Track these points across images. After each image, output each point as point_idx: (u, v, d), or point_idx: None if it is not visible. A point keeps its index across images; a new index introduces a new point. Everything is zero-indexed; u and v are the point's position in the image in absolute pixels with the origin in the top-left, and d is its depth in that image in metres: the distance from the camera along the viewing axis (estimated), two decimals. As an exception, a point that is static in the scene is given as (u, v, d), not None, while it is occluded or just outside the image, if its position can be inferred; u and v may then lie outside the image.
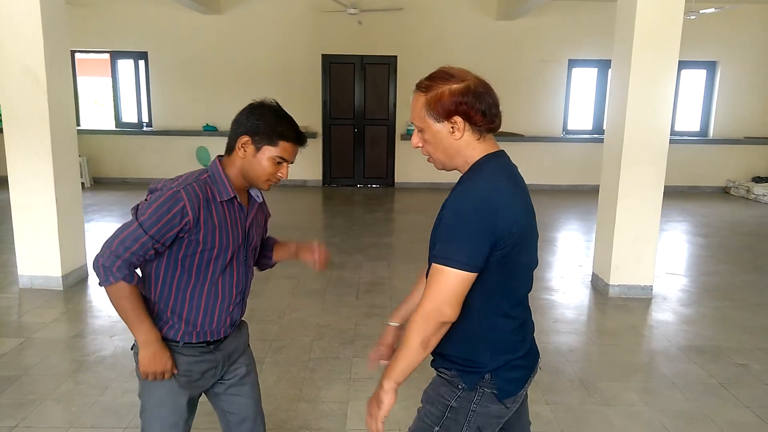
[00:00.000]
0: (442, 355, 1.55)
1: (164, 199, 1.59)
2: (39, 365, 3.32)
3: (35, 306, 4.22)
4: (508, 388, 1.52)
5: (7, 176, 4.47)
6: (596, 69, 9.68)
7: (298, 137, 1.72)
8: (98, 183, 9.53)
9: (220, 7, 9.17)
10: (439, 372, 1.59)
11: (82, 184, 8.48)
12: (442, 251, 1.39)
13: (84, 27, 9.00)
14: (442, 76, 1.46)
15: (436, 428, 1.55)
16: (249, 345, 1.98)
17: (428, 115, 1.45)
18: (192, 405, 1.80)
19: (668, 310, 4.44)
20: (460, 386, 1.52)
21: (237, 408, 1.89)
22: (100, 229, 6.60)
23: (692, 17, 7.41)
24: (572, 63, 9.58)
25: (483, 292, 1.44)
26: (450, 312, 1.39)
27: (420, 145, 1.53)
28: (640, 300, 4.60)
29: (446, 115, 1.43)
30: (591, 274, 5.07)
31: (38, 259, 4.55)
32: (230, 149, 1.72)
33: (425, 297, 1.40)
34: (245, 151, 1.68)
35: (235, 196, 1.70)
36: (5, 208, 5.45)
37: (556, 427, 2.82)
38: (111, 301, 1.64)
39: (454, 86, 1.42)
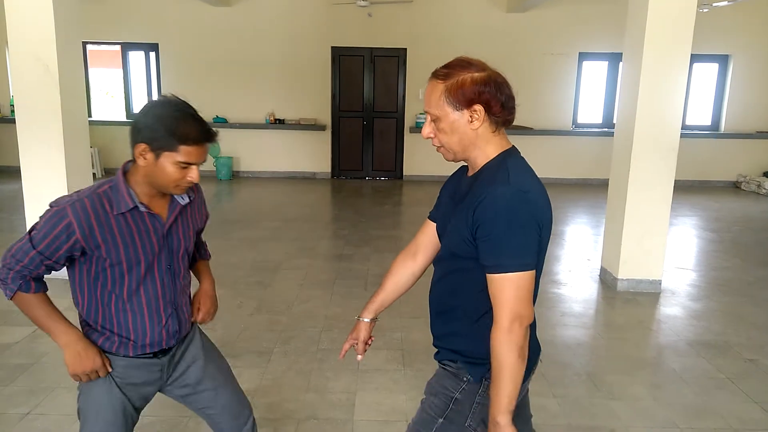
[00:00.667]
0: (448, 348, 1.56)
1: (50, 215, 1.54)
2: (51, 353, 3.36)
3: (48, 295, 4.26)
4: None
5: (19, 166, 4.51)
6: (607, 62, 9.60)
7: (201, 136, 1.54)
8: (109, 174, 9.60)
9: (230, -2, 9.18)
10: (444, 365, 1.60)
11: (94, 174, 8.55)
12: (497, 259, 1.36)
13: (95, 19, 9.03)
14: (461, 64, 1.44)
15: (440, 420, 1.55)
16: (203, 338, 1.90)
17: (447, 103, 1.42)
18: (131, 414, 1.72)
19: (677, 304, 4.43)
20: (465, 378, 1.52)
21: (208, 401, 1.84)
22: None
23: (705, 10, 7.33)
24: (583, 56, 9.51)
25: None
26: (528, 313, 1.38)
27: (432, 135, 1.50)
28: (649, 294, 4.58)
29: (467, 103, 1.41)
30: (599, 267, 5.06)
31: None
32: (133, 157, 1.59)
33: (500, 311, 1.37)
34: (145, 158, 1.54)
35: (135, 207, 1.59)
36: (18, 198, 5.51)
37: (563, 420, 2.82)
38: (23, 312, 1.63)
39: (477, 75, 1.40)
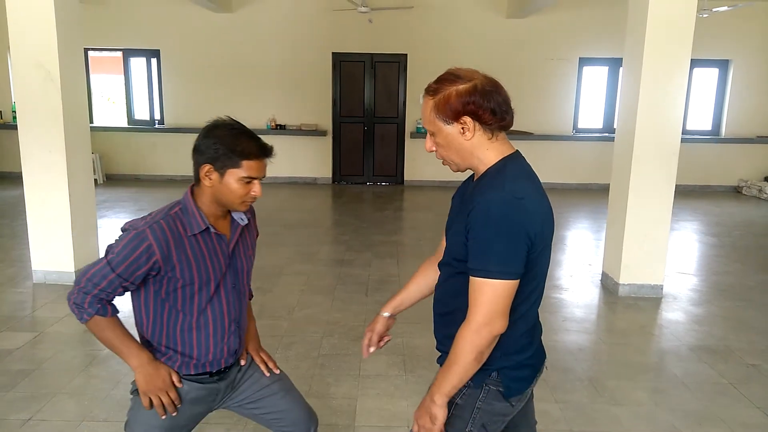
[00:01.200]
0: (449, 351, 1.56)
1: (129, 238, 1.57)
2: (52, 359, 3.37)
3: (49, 301, 4.27)
4: (514, 387, 1.52)
5: (21, 172, 4.52)
6: (607, 67, 9.62)
7: (260, 152, 1.63)
8: (111, 179, 9.62)
9: (231, 5, 9.21)
10: None
11: (95, 180, 8.57)
12: (481, 263, 1.38)
13: (97, 25, 9.07)
14: (449, 78, 1.46)
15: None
16: (269, 359, 1.96)
17: (438, 118, 1.45)
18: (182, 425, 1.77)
19: (678, 309, 4.42)
20: (466, 383, 1.52)
21: (272, 405, 1.87)
22: (113, 225, 6.66)
23: (705, 15, 7.35)
24: (583, 61, 9.53)
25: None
26: (501, 323, 1.39)
27: (433, 149, 1.53)
28: (651, 299, 4.58)
29: (455, 116, 1.43)
30: (601, 272, 5.05)
31: (52, 254, 4.61)
32: (197, 179, 1.67)
33: (474, 311, 1.39)
34: (210, 179, 1.62)
35: (207, 228, 1.66)
36: (19, 203, 5.53)
37: (564, 426, 2.82)
38: (95, 335, 1.65)
39: (461, 87, 1.42)
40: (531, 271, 1.44)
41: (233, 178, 1.61)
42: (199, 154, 1.63)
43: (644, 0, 4.31)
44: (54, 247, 4.59)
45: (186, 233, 1.63)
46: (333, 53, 9.46)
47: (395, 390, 3.10)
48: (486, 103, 1.41)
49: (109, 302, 1.62)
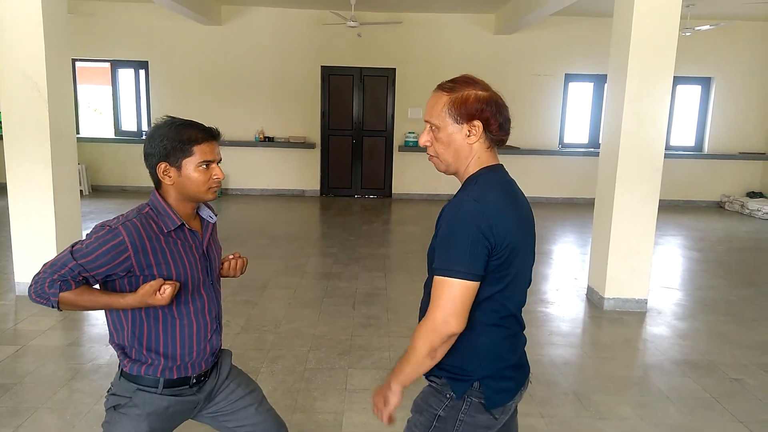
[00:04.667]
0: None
1: (102, 233, 1.56)
2: (34, 373, 3.32)
3: (31, 313, 4.22)
4: (496, 398, 1.53)
5: (6, 183, 4.48)
6: (592, 83, 9.76)
7: (207, 134, 1.65)
8: (97, 191, 9.54)
9: (220, 18, 9.24)
10: (430, 380, 1.61)
11: (81, 191, 8.49)
12: (442, 263, 1.42)
13: (85, 36, 9.05)
14: (466, 80, 1.51)
15: None
16: (241, 372, 1.95)
17: (448, 115, 1.48)
18: None
19: (663, 323, 4.46)
20: (448, 395, 1.53)
21: (245, 418, 1.86)
22: (97, 237, 6.59)
23: (687, 34, 7.51)
24: (568, 77, 9.66)
25: (475, 301, 1.46)
26: (456, 323, 1.41)
27: (428, 144, 1.55)
28: (635, 313, 4.62)
29: (468, 118, 1.47)
30: (586, 287, 5.09)
31: (35, 266, 4.51)
32: (157, 182, 1.67)
33: (432, 308, 1.43)
34: (170, 176, 1.63)
35: (182, 224, 1.67)
36: (3, 215, 5.47)
37: (550, 440, 2.82)
38: (76, 309, 1.61)
39: (480, 93, 1.48)
40: (500, 278, 1.46)
41: (191, 167, 1.62)
42: (151, 157, 1.63)
43: (628, 18, 4.40)
44: (38, 259, 4.50)
45: (162, 231, 1.63)
46: (322, 66, 9.51)
47: (382, 404, 3.09)
48: (498, 115, 1.48)
49: (73, 281, 1.57)
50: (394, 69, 9.55)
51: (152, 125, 1.67)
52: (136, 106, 9.77)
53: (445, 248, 1.42)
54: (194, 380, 1.74)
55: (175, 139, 1.60)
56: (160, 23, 9.20)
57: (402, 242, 7.12)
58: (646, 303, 4.70)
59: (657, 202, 4.60)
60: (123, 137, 9.74)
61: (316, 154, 9.77)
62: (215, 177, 1.66)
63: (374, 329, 4.11)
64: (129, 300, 1.58)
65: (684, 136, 9.94)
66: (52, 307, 1.59)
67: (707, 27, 7.60)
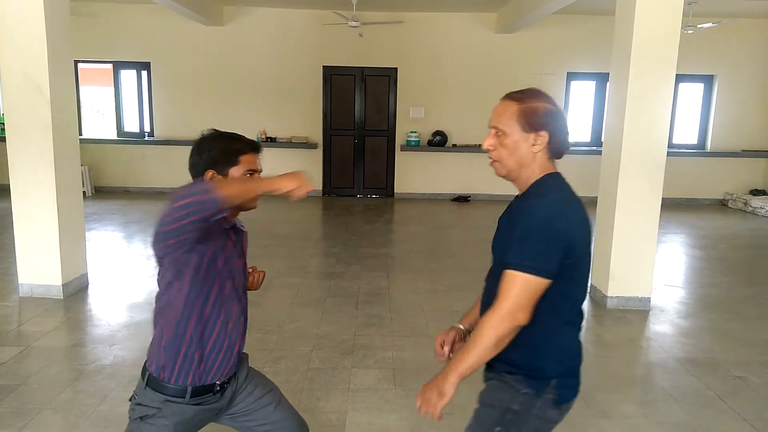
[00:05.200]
0: (505, 360, 1.58)
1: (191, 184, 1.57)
2: (38, 374, 3.33)
3: (35, 314, 4.23)
4: (567, 394, 1.60)
5: (8, 184, 4.49)
6: (594, 82, 9.74)
7: (251, 146, 1.74)
8: (100, 192, 9.57)
9: (222, 18, 9.25)
10: (500, 377, 1.63)
11: (84, 192, 8.50)
12: (517, 257, 1.47)
13: (87, 37, 9.08)
14: (533, 93, 1.58)
15: (497, 428, 1.60)
16: (258, 372, 1.97)
17: (517, 122, 1.54)
18: None
19: (666, 322, 4.45)
20: (523, 391, 1.57)
21: (265, 417, 1.88)
22: (101, 237, 6.61)
23: (689, 31, 7.49)
24: (571, 76, 9.65)
25: (552, 300, 1.51)
26: (523, 316, 1.46)
27: (492, 148, 1.60)
28: (638, 312, 4.61)
29: (536, 128, 1.54)
30: (589, 285, 5.09)
31: (39, 267, 4.57)
32: None
33: (501, 300, 1.47)
34: None
35: (234, 224, 1.76)
36: (7, 216, 5.48)
37: (553, 439, 2.82)
38: (235, 197, 1.51)
39: (549, 106, 1.55)
40: (574, 276, 1.55)
41: (236, 175, 1.69)
42: (199, 166, 1.70)
43: (630, 16, 4.39)
44: (41, 260, 4.55)
45: (223, 225, 1.68)
46: (324, 66, 9.52)
47: (385, 404, 3.10)
48: (563, 130, 1.57)
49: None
50: (396, 68, 9.55)
51: (199, 136, 1.74)
52: (139, 107, 9.79)
53: (523, 245, 1.47)
54: (218, 387, 1.76)
55: (222, 149, 1.69)
56: (161, 24, 9.22)
57: (404, 242, 7.12)
58: (650, 301, 4.70)
59: (660, 201, 4.59)
60: (125, 138, 9.76)
61: (318, 154, 9.77)
62: None
63: (377, 329, 4.12)
64: (270, 185, 1.55)
65: (687, 134, 9.92)
66: (216, 197, 1.46)
67: (709, 24, 7.58)
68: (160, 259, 1.65)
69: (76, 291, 4.71)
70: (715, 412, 3.11)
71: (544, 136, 1.54)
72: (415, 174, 9.74)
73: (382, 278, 5.34)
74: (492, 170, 1.64)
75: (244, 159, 1.70)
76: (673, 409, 3.14)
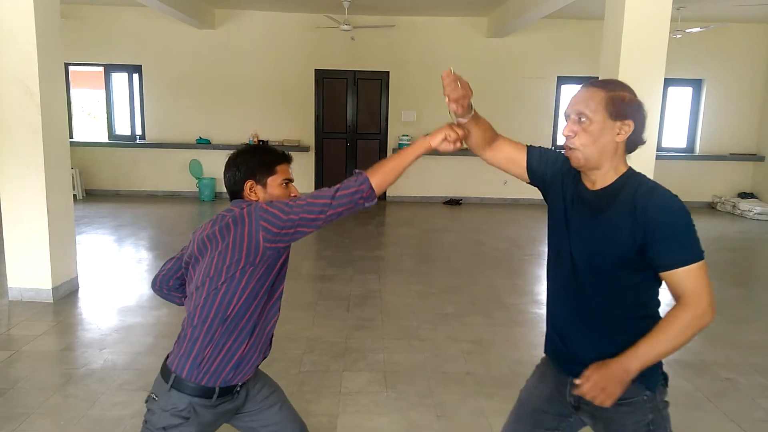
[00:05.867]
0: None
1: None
2: (27, 378, 3.31)
3: (25, 318, 4.20)
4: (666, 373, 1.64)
5: (-2, 188, 4.47)
6: (585, 86, 9.80)
7: (285, 157, 1.86)
8: (91, 195, 9.51)
9: (214, 22, 9.24)
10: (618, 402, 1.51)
11: (75, 196, 8.45)
12: (690, 253, 1.47)
13: (78, 40, 9.04)
14: (619, 83, 1.56)
15: None
16: (263, 373, 1.99)
17: (605, 110, 1.51)
18: None
19: (656, 324, 4.47)
20: (644, 396, 1.56)
21: (269, 418, 1.90)
22: (92, 241, 6.58)
23: (678, 36, 7.56)
24: (561, 80, 9.71)
25: (657, 287, 1.57)
26: (714, 311, 1.48)
27: (572, 134, 1.55)
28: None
29: (623, 117, 1.51)
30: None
31: (28, 271, 4.54)
32: (241, 198, 1.81)
33: (693, 299, 1.46)
34: (256, 193, 1.79)
35: None
36: (-5, 220, 5.44)
37: (544, 441, 2.83)
38: (391, 180, 1.74)
39: (635, 97, 1.53)
40: None
41: (274, 184, 1.81)
42: (238, 178, 1.79)
43: (619, 21, 4.44)
44: (31, 264, 4.53)
45: None
46: (316, 70, 9.53)
47: (376, 407, 3.10)
48: (644, 123, 1.55)
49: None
50: (388, 72, 9.57)
51: (234, 153, 1.85)
52: (130, 110, 9.75)
53: (686, 239, 1.47)
54: (238, 388, 1.78)
55: (259, 161, 1.80)
56: (153, 27, 9.20)
57: (396, 245, 7.14)
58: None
59: (649, 204, 4.62)
60: (117, 141, 9.72)
61: (310, 158, 9.77)
62: (293, 194, 1.84)
63: (368, 331, 4.12)
64: (420, 147, 1.76)
65: (675, 138, 10.00)
66: (370, 187, 1.69)
67: (698, 29, 7.66)
68: (236, 251, 1.64)
69: (66, 295, 4.69)
70: (704, 413, 3.14)
71: (629, 125, 1.51)
72: (407, 177, 9.73)
73: (374, 281, 5.35)
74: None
75: (280, 169, 1.82)
76: (662, 410, 3.16)
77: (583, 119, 1.53)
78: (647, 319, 1.55)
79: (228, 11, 9.25)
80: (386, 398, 3.19)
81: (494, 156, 1.80)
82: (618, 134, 1.52)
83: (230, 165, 1.81)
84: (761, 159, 9.62)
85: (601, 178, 1.57)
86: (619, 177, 1.56)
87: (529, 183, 1.79)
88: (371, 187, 1.65)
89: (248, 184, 1.79)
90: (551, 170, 1.72)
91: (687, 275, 1.46)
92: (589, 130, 1.52)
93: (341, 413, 3.02)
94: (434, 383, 3.37)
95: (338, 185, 1.66)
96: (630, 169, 1.58)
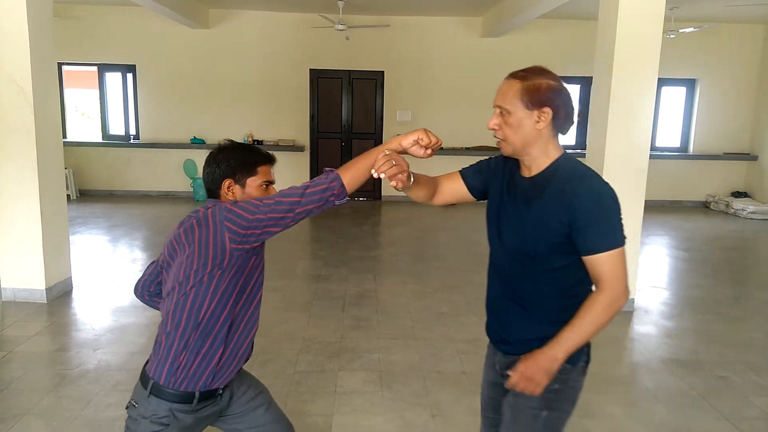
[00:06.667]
0: (540, 338, 1.60)
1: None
2: (21, 379, 3.29)
3: (18, 319, 4.18)
4: (590, 355, 1.69)
5: (-9, 188, 4.44)
6: (579, 85, 9.83)
7: (269, 158, 1.79)
8: (84, 195, 9.47)
9: (208, 21, 9.22)
10: None
11: (68, 196, 8.42)
12: (610, 239, 1.52)
13: (72, 40, 8.99)
14: (537, 70, 1.58)
15: (545, 413, 1.62)
16: (248, 374, 1.97)
17: (520, 101, 1.55)
18: None
19: (650, 323, 4.50)
20: (563, 366, 1.59)
21: (255, 419, 1.87)
22: (86, 241, 6.55)
23: (672, 36, 7.60)
24: (556, 79, 9.72)
25: (585, 272, 1.58)
26: (627, 294, 1.56)
27: (497, 127, 1.60)
28: (623, 313, 4.65)
29: (539, 105, 1.54)
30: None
31: (22, 271, 4.51)
32: (217, 197, 1.76)
33: (614, 280, 1.52)
34: (233, 193, 1.73)
35: None
36: (-12, 220, 5.40)
37: (539, 439, 2.83)
38: (358, 181, 1.62)
39: (552, 82, 1.55)
40: None
41: (253, 185, 1.73)
42: (217, 175, 1.73)
43: (613, 21, 4.45)
44: (24, 265, 4.50)
45: None
46: (311, 69, 9.52)
47: (371, 406, 3.10)
48: (566, 106, 1.57)
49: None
50: (383, 72, 9.57)
51: (216, 147, 1.78)
52: (124, 110, 9.72)
53: (608, 225, 1.53)
54: (220, 391, 1.75)
55: (241, 161, 1.73)
56: (147, 27, 9.16)
57: (391, 244, 7.13)
58: (633, 302, 4.75)
59: (643, 203, 4.64)
60: (111, 141, 9.68)
61: (305, 157, 9.76)
62: None
63: (364, 331, 4.12)
64: (379, 152, 1.63)
65: (669, 137, 10.04)
66: (340, 188, 1.59)
67: (691, 29, 7.70)
68: (201, 255, 1.59)
69: (59, 295, 4.67)
70: (699, 411, 3.15)
71: (547, 112, 1.54)
72: (402, 177, 9.74)
73: (370, 281, 5.35)
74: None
75: (262, 170, 1.75)
76: (657, 408, 3.17)
77: (503, 112, 1.58)
78: (576, 299, 1.59)
79: (222, 11, 9.22)
80: (382, 398, 3.19)
81: (441, 199, 1.87)
82: (537, 122, 1.55)
83: (210, 161, 1.75)
84: (755, 158, 9.67)
85: (534, 165, 1.62)
86: (552, 162, 1.60)
87: (478, 200, 1.85)
88: (342, 185, 1.58)
89: (226, 182, 1.72)
90: (487, 175, 1.79)
91: (607, 260, 1.52)
92: (509, 122, 1.57)
93: (336, 413, 3.02)
94: (430, 383, 3.37)
95: (308, 182, 1.59)
96: (563, 154, 1.61)
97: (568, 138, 10.06)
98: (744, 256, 6.84)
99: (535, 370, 1.55)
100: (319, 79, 9.60)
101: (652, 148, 4.61)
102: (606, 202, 1.53)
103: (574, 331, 1.54)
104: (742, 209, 9.02)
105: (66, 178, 5.40)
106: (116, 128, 9.83)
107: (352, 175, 1.61)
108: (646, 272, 5.77)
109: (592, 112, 4.93)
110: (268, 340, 3.93)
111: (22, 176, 4.39)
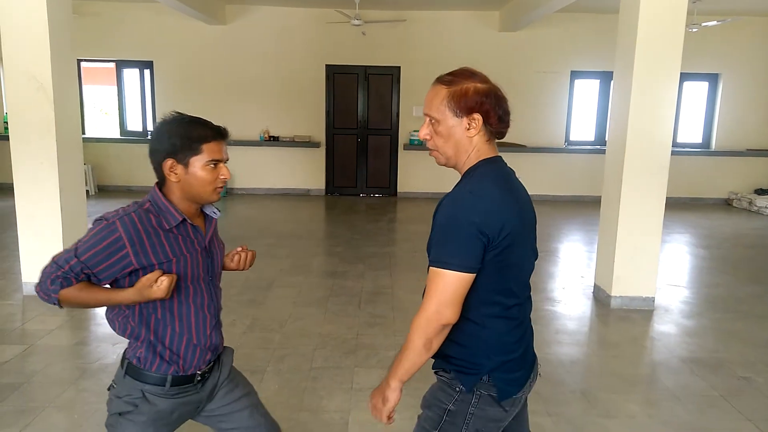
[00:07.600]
0: (442, 355, 1.56)
1: (99, 228, 1.54)
2: (42, 372, 3.33)
3: (39, 313, 4.24)
4: (507, 390, 1.52)
5: (12, 183, 4.50)
6: (598, 80, 9.71)
7: (216, 133, 1.63)
8: (103, 191, 9.58)
9: (225, 17, 9.25)
10: (439, 375, 1.60)
11: (87, 191, 8.52)
12: (437, 255, 1.43)
13: (90, 36, 9.08)
14: (465, 73, 1.50)
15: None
16: (239, 373, 1.92)
17: (448, 108, 1.47)
18: None
19: (670, 321, 4.43)
20: (457, 389, 1.53)
21: (239, 421, 1.83)
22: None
23: (694, 30, 7.46)
24: (574, 74, 9.62)
25: (478, 292, 1.46)
26: (450, 313, 1.41)
27: (428, 137, 1.54)
28: (642, 311, 4.59)
29: (467, 111, 1.46)
30: (593, 285, 5.07)
31: (42, 266, 4.56)
32: (161, 178, 1.64)
33: (426, 300, 1.44)
34: (176, 173, 1.60)
35: (184, 219, 1.64)
36: (10, 215, 5.48)
37: (557, 439, 2.81)
38: (77, 306, 1.62)
39: (479, 85, 1.47)
40: (501, 268, 1.46)
41: (198, 165, 1.59)
42: (157, 153, 1.60)
43: (634, 15, 4.37)
44: (45, 259, 4.52)
45: (162, 227, 1.60)
46: (326, 65, 9.51)
47: (388, 403, 3.09)
48: (497, 108, 1.47)
49: (75, 279, 1.56)
50: (399, 67, 9.53)
51: (160, 120, 1.63)
52: (142, 106, 9.80)
53: (441, 241, 1.43)
54: (199, 377, 1.72)
55: (184, 136, 1.57)
56: (164, 23, 9.22)
57: (407, 241, 7.11)
58: (654, 301, 4.68)
59: (664, 200, 4.57)
60: (129, 137, 9.78)
61: (321, 153, 9.77)
62: (222, 177, 1.64)
63: (380, 328, 4.11)
64: (128, 294, 1.56)
65: (691, 133, 9.88)
66: (54, 304, 1.58)
67: (714, 23, 7.55)
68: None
69: (79, 290, 4.71)
70: (720, 412, 3.10)
71: (477, 118, 1.46)
72: (419, 173, 9.72)
73: (385, 277, 5.34)
74: None
75: (208, 147, 1.59)
76: (677, 409, 3.12)
77: (432, 121, 1.51)
78: (469, 322, 1.50)
79: (238, 7, 9.25)
80: (398, 395, 3.17)
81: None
82: (468, 130, 1.47)
83: (152, 137, 1.63)
84: (778, 154, 9.48)
85: (460, 172, 1.55)
86: (467, 171, 1.51)
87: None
88: (57, 302, 1.58)
89: (168, 162, 1.58)
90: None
91: (430, 276, 1.45)
92: (440, 131, 1.50)
93: (353, 409, 3.01)
94: (446, 380, 3.35)
95: (55, 262, 1.58)
96: (478, 163, 1.50)
97: (587, 134, 10.02)
98: (766, 254, 6.72)
99: (375, 397, 1.56)
100: (335, 74, 9.59)
101: (674, 144, 4.53)
102: (450, 218, 1.42)
103: (399, 357, 1.49)
104: (766, 207, 8.85)
105: (85, 173, 5.45)
106: (134, 124, 9.92)
107: (73, 297, 1.57)
108: (667, 270, 5.69)
109: (612, 107, 4.86)
110: (284, 335, 3.94)
111: (42, 172, 4.44)
